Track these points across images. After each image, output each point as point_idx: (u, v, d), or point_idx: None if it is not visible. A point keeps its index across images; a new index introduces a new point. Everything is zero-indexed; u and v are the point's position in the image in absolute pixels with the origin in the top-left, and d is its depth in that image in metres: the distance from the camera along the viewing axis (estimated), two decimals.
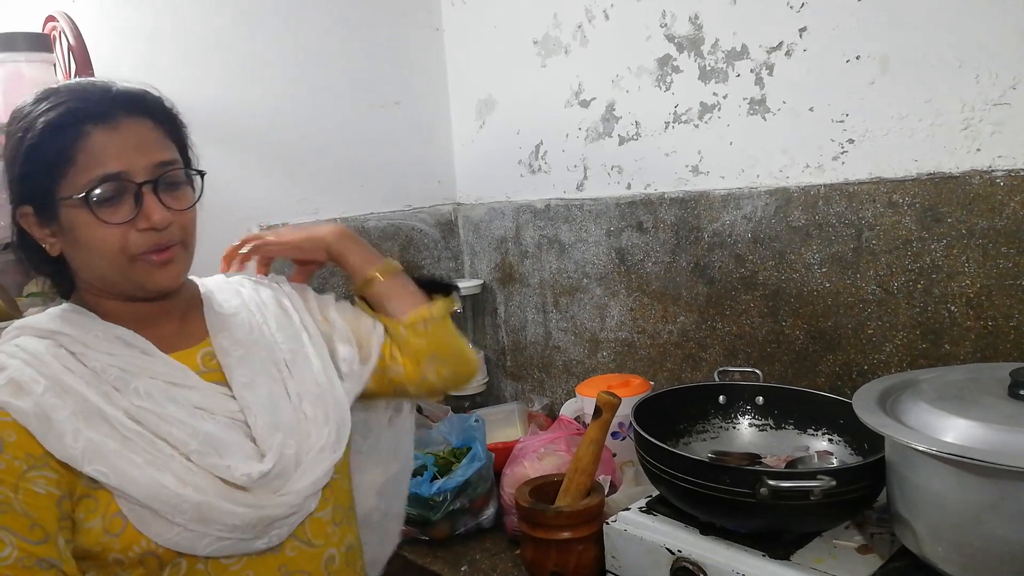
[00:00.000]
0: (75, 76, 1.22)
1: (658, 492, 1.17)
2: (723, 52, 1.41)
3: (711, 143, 1.47)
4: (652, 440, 1.10)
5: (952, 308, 1.19)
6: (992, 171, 1.13)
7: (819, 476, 0.94)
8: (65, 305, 0.87)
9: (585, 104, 1.67)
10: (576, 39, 1.66)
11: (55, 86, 0.84)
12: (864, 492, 0.99)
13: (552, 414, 1.79)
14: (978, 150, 1.15)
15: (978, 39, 1.12)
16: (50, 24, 1.27)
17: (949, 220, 1.17)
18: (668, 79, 1.51)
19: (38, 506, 0.73)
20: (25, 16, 1.29)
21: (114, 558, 0.77)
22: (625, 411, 1.28)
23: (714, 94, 1.44)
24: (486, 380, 1.97)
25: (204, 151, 1.53)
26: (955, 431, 0.85)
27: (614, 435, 1.39)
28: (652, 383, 1.53)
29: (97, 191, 0.79)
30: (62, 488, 0.75)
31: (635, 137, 1.59)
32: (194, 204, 0.88)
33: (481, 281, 1.96)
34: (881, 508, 1.04)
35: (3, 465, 0.73)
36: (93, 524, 0.76)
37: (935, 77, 1.17)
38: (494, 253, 1.94)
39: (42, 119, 0.79)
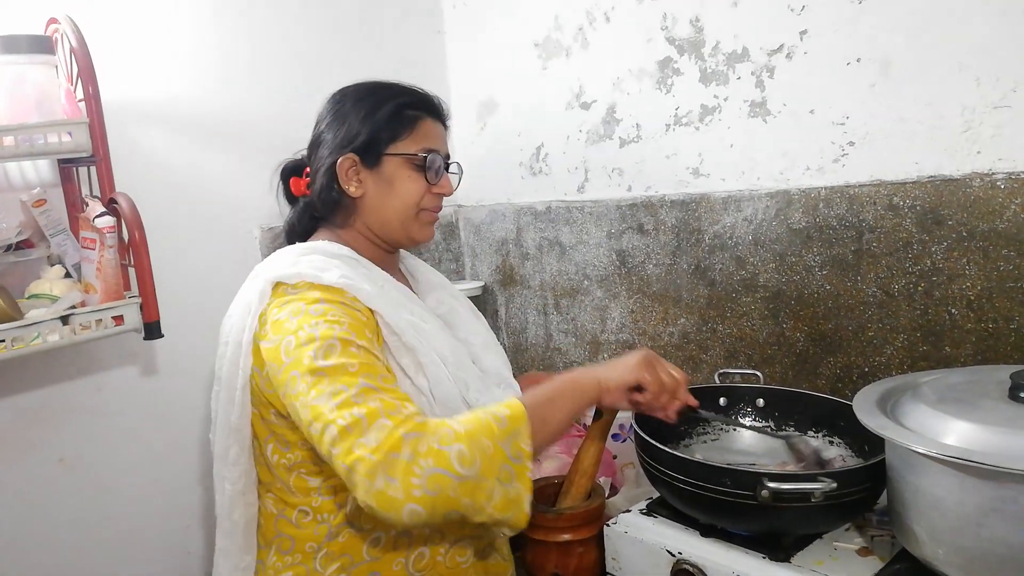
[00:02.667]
0: (77, 79, 1.23)
1: (659, 494, 1.17)
2: (724, 55, 1.42)
3: (712, 145, 1.47)
4: (653, 442, 1.10)
5: (953, 310, 1.19)
6: (993, 174, 1.13)
7: (820, 478, 0.94)
8: (327, 241, 1.07)
9: (586, 106, 1.67)
10: (577, 41, 1.66)
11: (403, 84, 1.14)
12: (864, 494, 0.99)
13: None
14: (978, 153, 1.15)
15: (979, 43, 1.13)
16: (52, 26, 1.27)
17: (950, 223, 1.18)
18: (669, 81, 1.51)
19: (386, 367, 0.95)
20: (27, 18, 1.29)
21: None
22: (625, 413, 1.28)
23: (715, 96, 1.45)
24: None
25: (206, 153, 1.55)
26: (956, 434, 0.85)
27: (615, 437, 1.39)
28: None
29: (427, 157, 1.08)
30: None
31: (636, 139, 1.60)
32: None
33: (482, 283, 1.96)
34: (881, 510, 1.04)
35: (364, 319, 0.95)
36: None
37: (936, 80, 1.17)
38: (495, 255, 1.94)
39: (397, 99, 1.10)
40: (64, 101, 1.24)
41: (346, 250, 1.06)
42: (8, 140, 1.14)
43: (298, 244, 1.07)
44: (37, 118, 1.18)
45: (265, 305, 0.97)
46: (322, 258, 1.01)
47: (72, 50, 1.21)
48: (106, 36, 1.36)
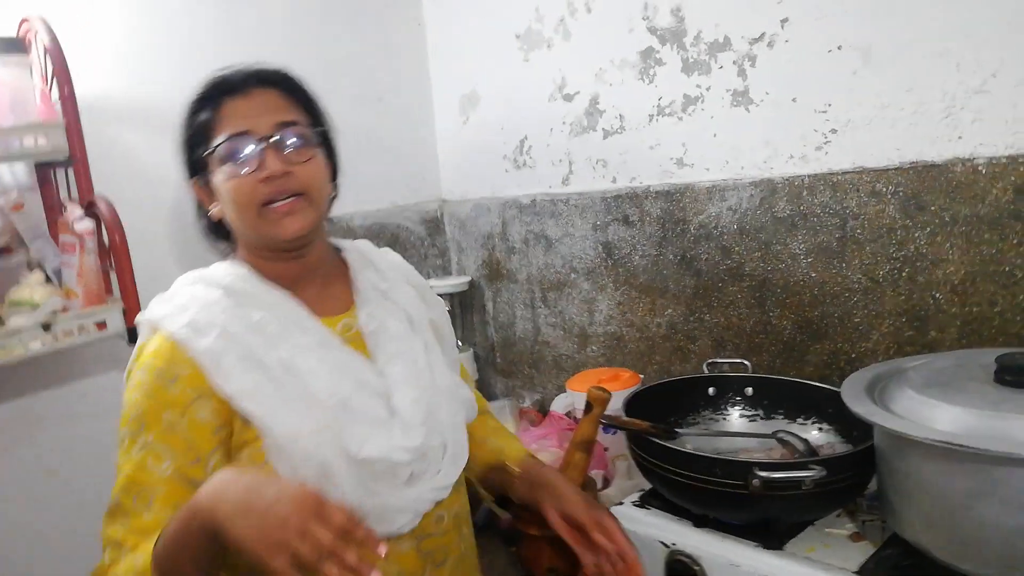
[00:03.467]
0: (52, 79, 1.20)
1: (651, 486, 1.17)
2: (705, 44, 1.42)
3: (695, 135, 1.47)
4: (644, 434, 1.10)
5: (937, 295, 1.20)
6: (974, 159, 1.14)
7: (810, 466, 0.94)
8: (232, 262, 0.98)
9: (569, 98, 1.67)
10: (558, 33, 1.65)
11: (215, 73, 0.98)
12: (854, 480, 1.00)
13: (543, 410, 1.79)
14: (960, 138, 1.16)
15: (959, 28, 1.13)
16: (24, 26, 1.25)
17: (932, 208, 1.18)
18: (651, 72, 1.51)
19: (197, 432, 0.85)
20: None
21: None
22: (616, 405, 1.28)
23: (697, 86, 1.45)
24: (476, 377, 1.96)
25: None
26: (943, 418, 0.86)
27: (605, 430, 1.40)
28: (642, 376, 1.54)
29: (224, 144, 0.91)
30: (220, 419, 0.86)
31: (619, 130, 1.59)
32: (313, 159, 0.95)
33: (468, 278, 1.96)
34: (872, 495, 1.05)
35: (176, 392, 0.85)
36: (242, 455, 0.87)
37: (916, 66, 1.18)
38: (481, 249, 1.94)
39: (192, 99, 0.97)
40: (39, 102, 1.22)
41: (240, 272, 0.95)
42: None
43: (195, 271, 0.97)
44: (12, 121, 1.16)
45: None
46: (201, 289, 0.93)
47: (46, 49, 1.19)
48: (80, 35, 1.34)
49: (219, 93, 0.95)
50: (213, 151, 0.92)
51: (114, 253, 1.20)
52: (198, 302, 0.91)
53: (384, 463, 0.88)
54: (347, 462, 0.86)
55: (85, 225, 1.18)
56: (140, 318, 0.93)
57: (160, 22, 1.49)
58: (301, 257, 0.98)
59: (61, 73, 1.19)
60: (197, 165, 0.96)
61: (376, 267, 1.08)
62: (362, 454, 0.87)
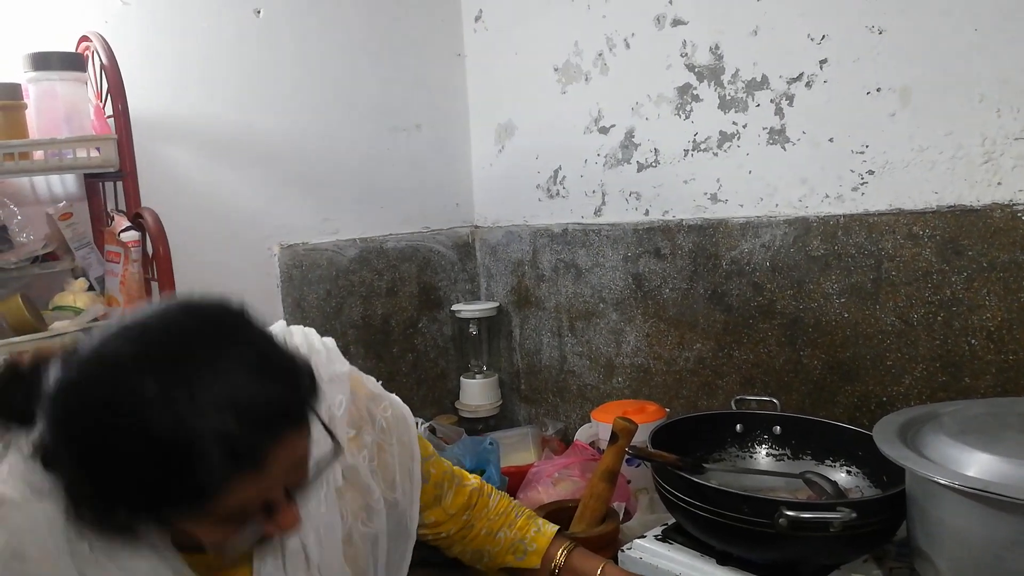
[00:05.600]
0: (107, 95, 1.25)
1: (674, 520, 1.16)
2: (743, 82, 1.43)
3: (730, 171, 1.48)
4: (670, 467, 1.10)
5: (973, 341, 1.18)
6: (1013, 205, 1.13)
7: (839, 508, 0.93)
8: None
9: (604, 131, 1.69)
10: (597, 67, 1.68)
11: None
12: (884, 525, 0.98)
13: (566, 439, 1.78)
14: (999, 184, 1.15)
15: (999, 74, 1.13)
16: (83, 44, 1.30)
17: (970, 253, 1.17)
18: (688, 108, 1.53)
19: None
20: (59, 36, 1.32)
21: None
22: (641, 437, 1.28)
23: (734, 123, 1.46)
24: (500, 403, 1.96)
25: (229, 172, 1.57)
26: (977, 465, 0.84)
27: (629, 462, 1.39)
28: (668, 410, 1.53)
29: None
30: None
31: (654, 164, 1.61)
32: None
33: (497, 304, 1.97)
34: (900, 542, 1.03)
35: None
36: None
37: (956, 111, 1.18)
38: (510, 276, 1.95)
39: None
40: (93, 117, 1.26)
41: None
42: (38, 154, 1.16)
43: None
44: (67, 133, 1.20)
45: None
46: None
47: (103, 67, 1.24)
48: (135, 54, 1.39)
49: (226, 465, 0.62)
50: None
51: (157, 264, 1.23)
52: (33, 528, 0.65)
53: None
54: None
55: (131, 235, 1.21)
56: None
57: (211, 45, 1.54)
58: None
59: (116, 90, 1.23)
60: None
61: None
62: None
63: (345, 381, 0.88)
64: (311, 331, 0.90)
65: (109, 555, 0.66)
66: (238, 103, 1.59)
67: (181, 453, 0.57)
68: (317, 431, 0.69)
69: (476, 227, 2.04)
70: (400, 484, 0.92)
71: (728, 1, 1.42)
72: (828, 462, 1.24)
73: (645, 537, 1.17)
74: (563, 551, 1.02)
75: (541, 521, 1.07)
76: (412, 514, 0.94)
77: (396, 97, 1.87)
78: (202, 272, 1.49)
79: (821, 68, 1.32)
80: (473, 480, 1.07)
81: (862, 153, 1.29)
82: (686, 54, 1.51)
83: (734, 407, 1.37)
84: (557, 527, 1.06)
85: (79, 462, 0.60)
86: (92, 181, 1.37)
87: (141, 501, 0.61)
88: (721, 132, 1.48)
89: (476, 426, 1.91)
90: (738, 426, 1.32)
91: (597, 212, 1.73)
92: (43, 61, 1.22)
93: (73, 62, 1.25)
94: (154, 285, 1.26)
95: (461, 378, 1.97)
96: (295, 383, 0.66)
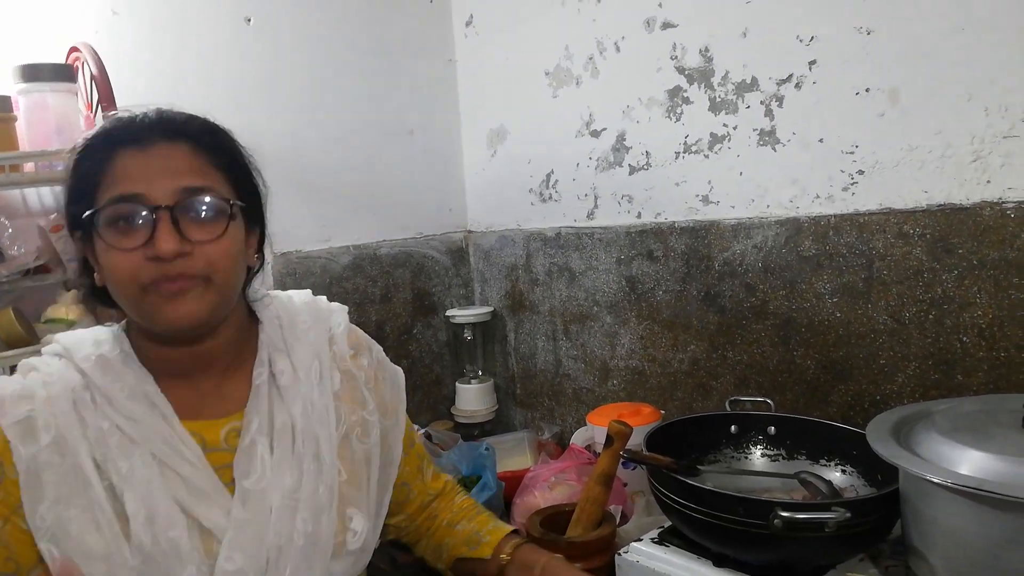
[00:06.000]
0: (97, 106, 1.25)
1: (670, 523, 1.16)
2: (733, 84, 1.43)
3: (721, 173, 1.48)
4: (665, 470, 1.10)
5: (964, 339, 1.19)
6: (1003, 203, 1.14)
7: (834, 508, 0.93)
8: (117, 335, 0.85)
9: (596, 134, 1.69)
10: (587, 70, 1.68)
11: (112, 115, 0.82)
12: (879, 524, 0.99)
13: (562, 443, 1.78)
14: (988, 182, 1.15)
15: (987, 73, 1.14)
16: (73, 55, 1.30)
17: (960, 251, 1.18)
18: (678, 110, 1.53)
19: (19, 540, 0.75)
20: (49, 47, 1.32)
21: None
22: (636, 440, 1.28)
23: (724, 125, 1.46)
24: (496, 408, 1.96)
25: None
26: (970, 463, 0.85)
27: (624, 465, 1.39)
28: (663, 412, 1.53)
29: (108, 208, 0.76)
30: None
31: (645, 167, 1.61)
32: (222, 236, 0.79)
33: (491, 308, 1.97)
34: (895, 541, 1.03)
35: (1, 495, 0.75)
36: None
37: (945, 110, 1.18)
38: (504, 280, 1.95)
39: (82, 142, 0.80)
40: (84, 127, 1.26)
41: (112, 354, 0.82)
42: (29, 167, 1.16)
43: (72, 335, 0.86)
44: (57, 144, 1.20)
45: None
46: (62, 367, 0.81)
47: (93, 77, 1.24)
48: (125, 64, 1.39)
49: (112, 141, 0.78)
50: (95, 213, 0.76)
51: None
52: (49, 389, 0.78)
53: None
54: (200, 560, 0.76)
55: None
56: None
57: (202, 53, 1.54)
58: (196, 344, 0.83)
59: (106, 100, 1.23)
60: (78, 221, 0.79)
61: (289, 348, 0.90)
62: None
63: (345, 315, 1.00)
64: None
65: (109, 400, 0.79)
66: (229, 111, 1.56)
67: (81, 144, 0.80)
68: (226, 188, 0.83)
69: (469, 232, 2.04)
70: (392, 413, 0.99)
71: (718, 3, 1.43)
72: (823, 462, 1.24)
73: (641, 540, 1.17)
74: (513, 545, 1.03)
75: (501, 522, 1.09)
76: (398, 450, 1.00)
77: (388, 103, 1.87)
78: None
79: (810, 69, 1.32)
80: (445, 476, 1.15)
81: (852, 153, 1.29)
82: (676, 57, 1.51)
83: (728, 408, 1.37)
84: (514, 528, 1.08)
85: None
86: None
87: (79, 200, 0.78)
88: (712, 134, 1.48)
89: (472, 431, 1.91)
90: (733, 427, 1.32)
91: (590, 215, 1.74)
92: (33, 73, 1.22)
93: (63, 73, 1.25)
94: None
95: (456, 383, 1.97)
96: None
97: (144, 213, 0.75)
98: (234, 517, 0.80)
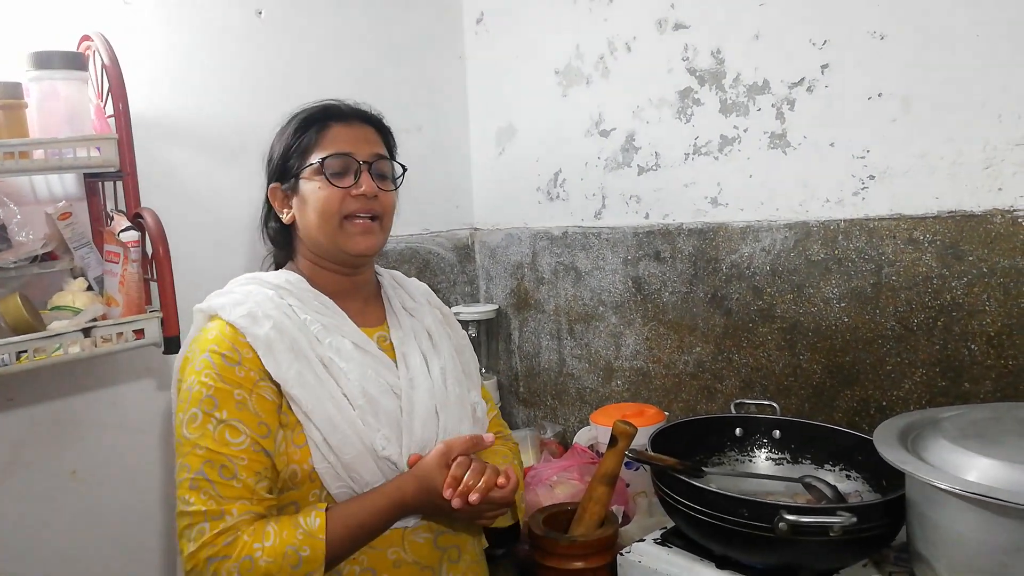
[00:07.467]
0: (108, 94, 1.25)
1: (672, 524, 1.16)
2: (744, 86, 1.43)
3: (730, 175, 1.48)
4: (670, 471, 1.09)
5: (972, 346, 1.18)
6: (1014, 210, 1.13)
7: (839, 512, 0.93)
8: (285, 270, 1.13)
9: (605, 134, 1.69)
10: (598, 70, 1.68)
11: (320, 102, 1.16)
12: (884, 530, 0.98)
13: (564, 442, 1.78)
14: (1000, 189, 1.15)
15: (1000, 80, 1.13)
16: (85, 43, 1.29)
17: (970, 258, 1.17)
18: (689, 111, 1.53)
19: (265, 409, 0.99)
20: (61, 35, 1.31)
21: (291, 470, 1.00)
22: (640, 441, 1.28)
23: (735, 127, 1.46)
24: (499, 406, 1.96)
25: (227, 170, 1.56)
26: (978, 470, 0.84)
27: (628, 465, 1.38)
28: (667, 414, 1.53)
29: (330, 160, 1.08)
30: (279, 399, 1.00)
31: (654, 168, 1.61)
32: (395, 190, 1.15)
33: (496, 306, 1.96)
34: (900, 547, 1.03)
35: (243, 374, 0.99)
36: (280, 437, 1.00)
37: (957, 116, 1.18)
38: (510, 278, 1.95)
39: (302, 115, 1.14)
40: (94, 116, 1.26)
41: (291, 278, 1.10)
42: (38, 153, 1.16)
43: (248, 274, 1.13)
44: (68, 132, 1.20)
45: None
46: (255, 287, 1.07)
47: (104, 67, 1.23)
48: (136, 54, 1.39)
49: (327, 117, 1.13)
50: (319, 163, 1.08)
51: (156, 264, 1.22)
52: (253, 298, 1.05)
53: (400, 464, 1.04)
54: (372, 457, 1.02)
55: (131, 235, 1.21)
56: (198, 308, 1.07)
57: (213, 45, 1.53)
58: (354, 274, 1.14)
59: (117, 90, 1.23)
60: (287, 173, 1.11)
61: (406, 291, 1.25)
62: (383, 453, 1.02)
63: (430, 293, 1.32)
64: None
65: (302, 304, 1.08)
66: (239, 103, 1.58)
67: (300, 119, 1.15)
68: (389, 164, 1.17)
69: (476, 229, 2.04)
70: (463, 349, 1.27)
71: (730, 5, 1.43)
72: (828, 466, 1.24)
73: (644, 541, 1.17)
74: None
75: (513, 462, 1.22)
76: (484, 422, 1.23)
77: (397, 99, 1.86)
78: (200, 272, 1.49)
79: (823, 73, 1.32)
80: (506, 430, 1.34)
81: (863, 158, 1.29)
82: (687, 58, 1.51)
83: (733, 411, 1.37)
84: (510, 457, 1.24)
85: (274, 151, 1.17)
86: (92, 181, 1.36)
87: (294, 157, 1.12)
88: (722, 136, 1.48)
89: None
90: (737, 430, 1.32)
91: (597, 215, 1.73)
92: (45, 60, 1.21)
93: (75, 61, 1.25)
94: (153, 285, 1.26)
95: None
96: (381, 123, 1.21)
97: (355, 165, 1.09)
98: (407, 381, 1.09)
